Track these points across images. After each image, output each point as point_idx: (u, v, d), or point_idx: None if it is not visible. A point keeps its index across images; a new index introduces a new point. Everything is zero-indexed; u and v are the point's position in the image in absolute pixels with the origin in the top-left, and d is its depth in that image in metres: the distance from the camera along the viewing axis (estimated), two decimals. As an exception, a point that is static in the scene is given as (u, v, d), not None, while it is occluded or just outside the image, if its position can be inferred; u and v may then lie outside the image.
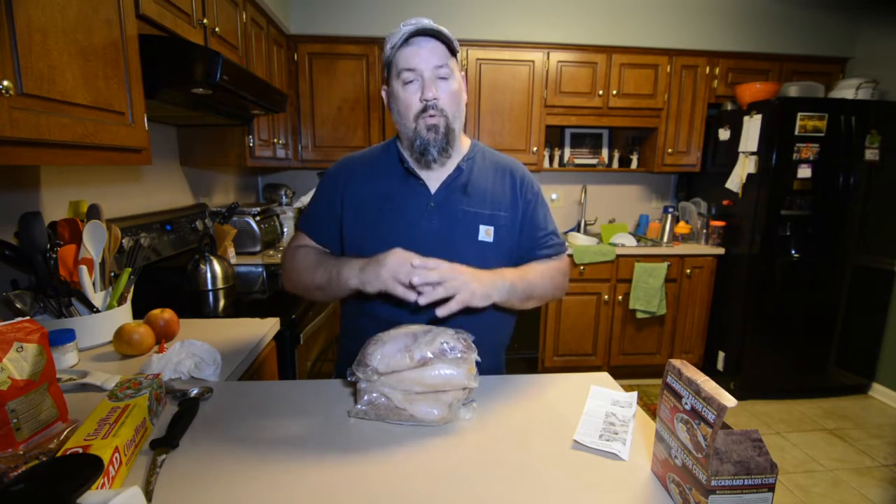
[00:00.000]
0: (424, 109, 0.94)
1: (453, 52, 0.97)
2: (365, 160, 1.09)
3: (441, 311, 0.84)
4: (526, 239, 1.07)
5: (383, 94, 1.03)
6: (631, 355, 3.07)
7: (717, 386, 0.57)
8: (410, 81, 0.94)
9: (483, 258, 1.01)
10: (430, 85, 0.93)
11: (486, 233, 1.01)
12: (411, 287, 0.85)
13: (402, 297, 0.86)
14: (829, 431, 2.58)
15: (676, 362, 0.64)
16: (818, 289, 2.79)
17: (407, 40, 0.93)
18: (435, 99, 0.94)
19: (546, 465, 0.71)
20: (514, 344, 0.95)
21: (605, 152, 3.39)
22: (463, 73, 1.03)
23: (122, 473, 0.65)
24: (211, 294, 1.79)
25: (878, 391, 2.95)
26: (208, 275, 1.81)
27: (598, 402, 0.89)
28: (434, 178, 1.03)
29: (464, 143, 1.08)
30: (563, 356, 3.03)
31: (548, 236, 1.08)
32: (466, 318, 0.97)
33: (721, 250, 2.98)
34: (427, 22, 0.93)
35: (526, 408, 0.88)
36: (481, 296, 0.88)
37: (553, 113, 3.00)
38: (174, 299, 1.63)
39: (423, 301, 0.84)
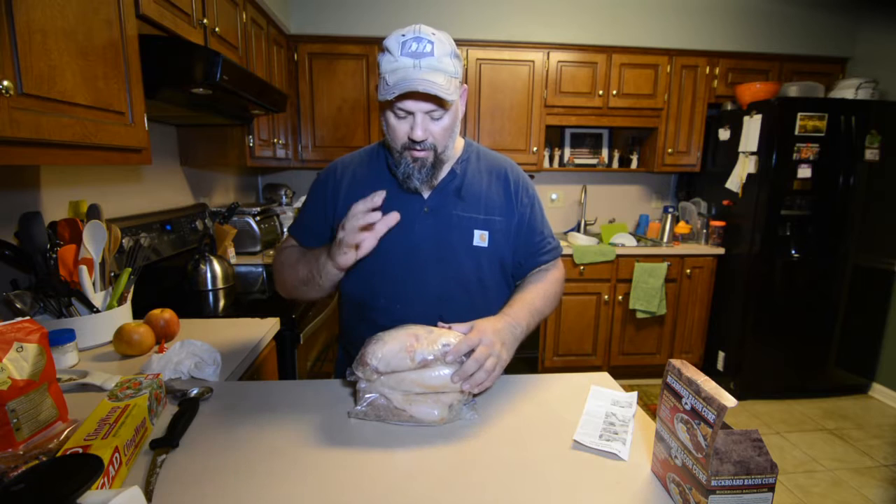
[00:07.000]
0: (412, 144, 0.91)
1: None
2: (354, 165, 1.07)
3: (477, 389, 0.82)
4: (524, 244, 1.05)
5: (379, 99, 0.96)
6: (631, 355, 3.07)
7: (717, 386, 0.57)
8: (402, 117, 0.90)
9: (477, 263, 1.01)
10: (420, 126, 0.88)
11: (480, 237, 1.00)
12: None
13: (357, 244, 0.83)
14: (829, 431, 2.58)
15: (676, 362, 0.64)
16: (818, 289, 2.79)
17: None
18: (424, 140, 0.90)
19: (546, 465, 0.71)
20: (514, 344, 0.95)
21: (605, 152, 3.39)
22: (464, 88, 0.96)
23: (122, 473, 0.65)
24: (211, 294, 1.79)
25: (878, 391, 2.95)
26: (208, 275, 1.81)
27: (598, 402, 0.89)
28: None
29: (457, 145, 1.05)
30: (563, 356, 3.03)
31: (545, 240, 1.08)
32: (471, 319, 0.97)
33: (721, 250, 2.98)
34: (419, 83, 0.81)
35: (526, 408, 0.88)
36: (507, 359, 0.86)
37: (553, 113, 3.00)
38: (174, 299, 1.63)
39: (468, 389, 0.81)
